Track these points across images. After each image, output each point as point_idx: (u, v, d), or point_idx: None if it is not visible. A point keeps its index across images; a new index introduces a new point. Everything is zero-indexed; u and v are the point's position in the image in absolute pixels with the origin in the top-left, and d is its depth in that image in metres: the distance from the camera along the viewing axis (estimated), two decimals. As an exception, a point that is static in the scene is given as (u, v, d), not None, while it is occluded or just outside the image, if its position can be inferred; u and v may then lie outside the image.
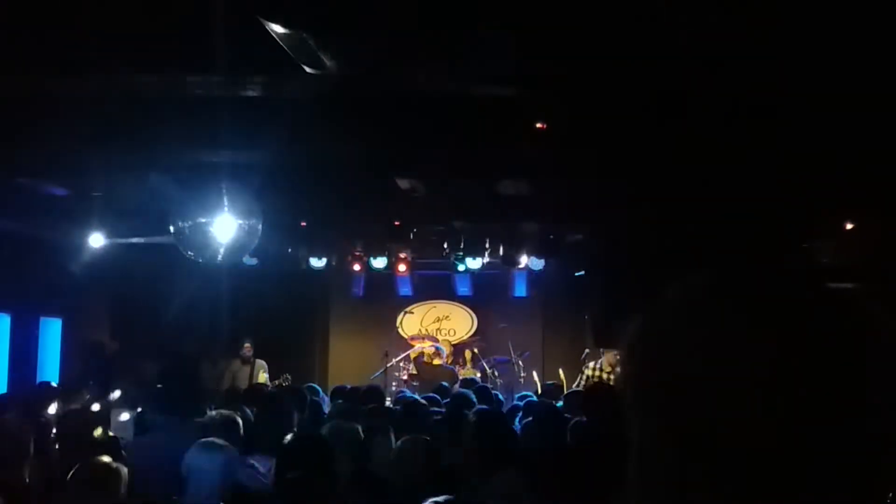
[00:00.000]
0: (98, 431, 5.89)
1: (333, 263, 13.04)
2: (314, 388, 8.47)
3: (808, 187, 7.28)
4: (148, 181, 7.51)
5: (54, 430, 5.82)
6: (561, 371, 11.75)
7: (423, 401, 7.14)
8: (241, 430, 5.12)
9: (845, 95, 5.31)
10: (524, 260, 12.15)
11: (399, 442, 4.69)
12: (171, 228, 7.73)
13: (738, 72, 5.03)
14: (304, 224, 10.74)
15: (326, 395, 8.87)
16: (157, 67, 5.36)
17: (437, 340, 13.70)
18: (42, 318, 11.47)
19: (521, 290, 14.03)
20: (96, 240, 9.77)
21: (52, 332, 11.67)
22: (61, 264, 10.21)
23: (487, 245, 11.60)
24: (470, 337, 14.40)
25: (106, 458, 3.98)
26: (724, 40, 4.64)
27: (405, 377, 12.94)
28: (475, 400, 6.86)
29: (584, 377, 10.35)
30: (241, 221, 7.46)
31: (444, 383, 9.71)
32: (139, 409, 7.00)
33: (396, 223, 10.83)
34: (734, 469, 0.78)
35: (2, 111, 6.07)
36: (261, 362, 11.95)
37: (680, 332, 0.83)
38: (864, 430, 0.78)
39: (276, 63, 4.91)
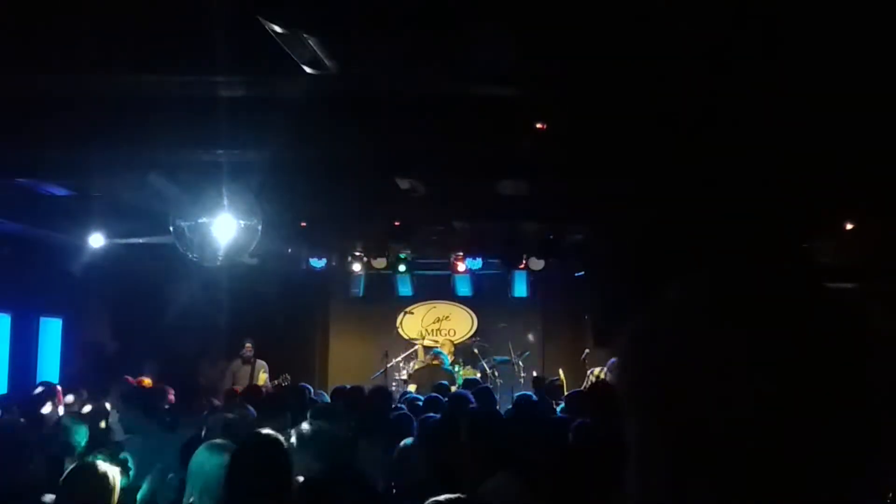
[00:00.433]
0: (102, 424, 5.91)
1: (333, 263, 13.04)
2: (306, 387, 8.49)
3: (808, 187, 7.28)
4: (148, 181, 7.50)
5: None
6: (561, 371, 11.75)
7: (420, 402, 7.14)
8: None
9: (845, 95, 5.30)
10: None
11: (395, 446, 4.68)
12: (171, 228, 7.73)
13: (737, 72, 5.03)
14: (304, 224, 10.74)
15: (327, 395, 8.87)
16: (157, 67, 5.36)
17: (436, 343, 13.67)
18: (42, 318, 11.47)
19: (521, 290, 14.03)
20: (96, 240, 9.77)
21: (52, 332, 11.67)
22: (61, 264, 10.22)
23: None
24: (470, 337, 14.40)
25: (100, 461, 3.97)
26: (724, 40, 4.64)
27: (405, 377, 12.94)
28: (473, 400, 6.85)
29: (589, 382, 10.30)
30: (240, 221, 7.45)
31: (444, 382, 9.71)
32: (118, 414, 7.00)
33: (396, 223, 10.83)
34: (734, 470, 0.77)
35: (2, 111, 6.07)
36: (261, 362, 11.95)
37: (680, 333, 0.83)
38: (864, 430, 0.77)
39: (276, 63, 4.90)
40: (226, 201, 7.32)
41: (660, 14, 4.37)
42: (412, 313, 14.57)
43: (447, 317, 14.82)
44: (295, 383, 10.29)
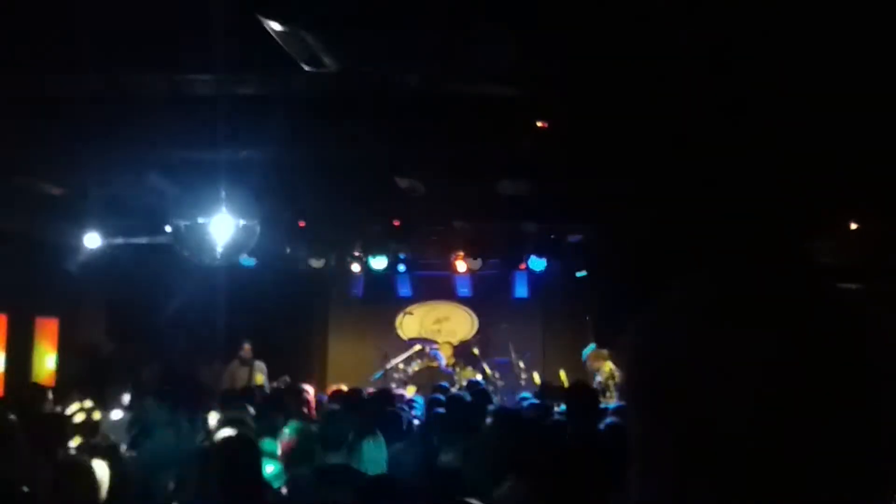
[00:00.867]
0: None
1: (333, 263, 13.03)
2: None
3: (808, 187, 7.27)
4: (146, 181, 7.50)
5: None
6: (562, 372, 11.73)
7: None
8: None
9: (845, 95, 5.30)
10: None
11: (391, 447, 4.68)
12: (169, 228, 7.72)
13: (738, 72, 5.02)
14: (303, 224, 10.73)
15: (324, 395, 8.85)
16: (156, 67, 5.35)
17: (435, 344, 13.66)
18: (38, 318, 11.45)
19: (521, 290, 14.03)
20: (93, 239, 9.76)
21: (48, 332, 11.66)
22: (58, 264, 10.21)
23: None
24: (470, 338, 14.39)
25: (84, 458, 3.97)
26: (725, 40, 4.63)
27: (404, 379, 12.92)
28: (470, 400, 6.85)
29: (600, 379, 10.21)
30: (239, 221, 7.44)
31: (444, 384, 9.70)
32: (137, 411, 6.99)
33: (396, 223, 10.82)
34: (735, 470, 0.77)
35: (2, 111, 6.06)
36: (259, 364, 11.92)
37: (681, 332, 0.82)
38: (865, 430, 0.77)
39: (275, 62, 4.89)
40: (224, 201, 7.30)
41: (660, 14, 4.36)
42: (412, 314, 14.56)
43: (447, 317, 14.82)
44: (294, 384, 10.28)
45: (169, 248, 8.21)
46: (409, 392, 10.90)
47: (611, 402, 8.58)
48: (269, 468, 4.59)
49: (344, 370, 13.61)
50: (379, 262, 12.53)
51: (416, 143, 6.85)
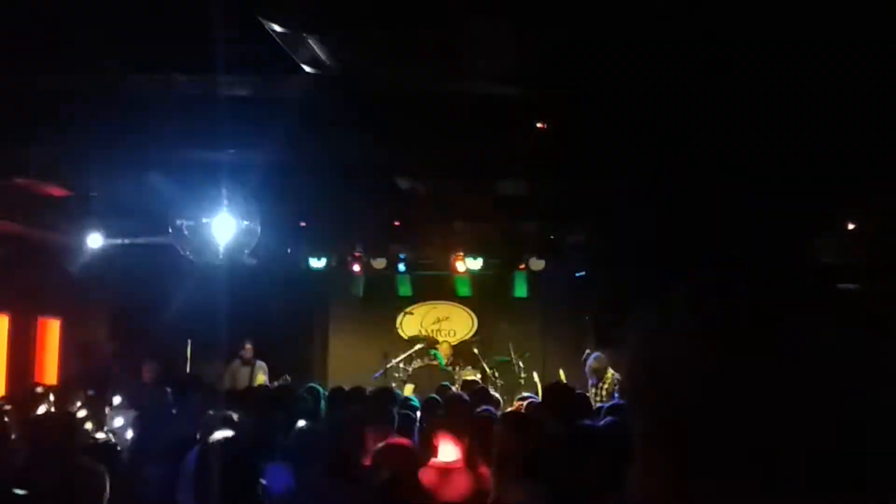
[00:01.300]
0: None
1: (333, 263, 13.02)
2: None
3: (808, 187, 7.27)
4: (147, 181, 7.50)
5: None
6: (561, 372, 11.72)
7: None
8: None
9: (846, 95, 5.30)
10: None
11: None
12: (170, 228, 7.72)
13: (738, 71, 5.03)
14: (303, 224, 10.73)
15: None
16: (157, 67, 5.36)
17: (435, 343, 13.65)
18: (40, 319, 11.46)
19: (521, 290, 14.01)
20: (95, 240, 9.75)
21: (50, 332, 11.66)
22: (60, 264, 10.20)
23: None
24: (470, 337, 14.38)
25: (88, 460, 3.97)
26: (725, 40, 4.63)
27: (404, 378, 12.92)
28: (470, 401, 6.84)
29: (602, 386, 10.12)
30: (240, 221, 7.44)
31: (445, 383, 9.70)
32: (139, 411, 7.00)
33: (396, 223, 10.82)
34: (736, 470, 0.77)
35: (2, 111, 6.06)
36: (260, 363, 11.91)
37: (681, 333, 0.82)
38: (867, 430, 0.77)
39: (275, 63, 4.90)
40: (225, 201, 7.31)
41: (660, 14, 4.37)
42: (412, 314, 14.55)
43: (447, 317, 14.80)
44: (295, 384, 10.26)
45: (171, 248, 8.21)
46: (407, 391, 10.90)
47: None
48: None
49: (344, 369, 13.60)
50: (379, 263, 12.52)
51: (416, 143, 6.85)
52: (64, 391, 8.14)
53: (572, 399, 6.21)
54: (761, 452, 0.76)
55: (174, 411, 7.00)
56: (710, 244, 7.87)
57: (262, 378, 11.62)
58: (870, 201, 7.98)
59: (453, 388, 9.37)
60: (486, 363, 12.85)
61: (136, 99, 6.02)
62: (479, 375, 12.27)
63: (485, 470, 4.74)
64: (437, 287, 14.32)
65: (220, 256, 7.57)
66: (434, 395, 7.93)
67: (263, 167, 7.35)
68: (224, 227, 7.50)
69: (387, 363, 12.85)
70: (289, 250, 12.15)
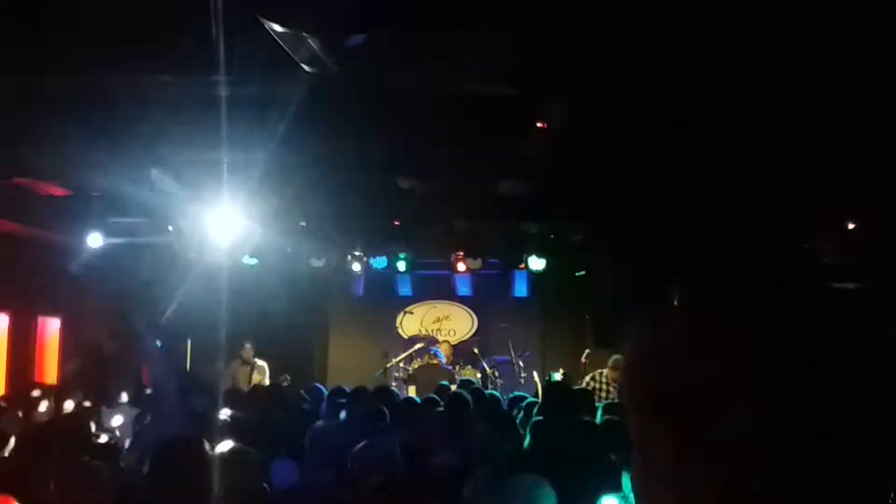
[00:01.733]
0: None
1: (333, 263, 13.02)
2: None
3: (808, 187, 7.27)
4: (148, 181, 7.50)
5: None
6: (561, 371, 11.73)
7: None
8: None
9: (846, 95, 5.30)
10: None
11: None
12: (171, 228, 7.72)
13: (738, 71, 5.03)
14: (304, 224, 10.73)
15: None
16: (157, 67, 5.35)
17: (435, 342, 13.65)
18: (40, 318, 11.46)
19: (521, 290, 14.03)
20: (95, 240, 9.75)
21: (50, 332, 11.66)
22: (60, 264, 10.21)
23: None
24: (470, 337, 14.39)
25: (89, 461, 3.97)
26: (725, 40, 4.63)
27: (404, 377, 12.93)
28: (470, 400, 6.84)
29: (585, 385, 10.23)
30: (240, 221, 7.45)
31: (445, 382, 9.70)
32: (139, 411, 7.01)
33: (396, 223, 10.82)
34: (736, 470, 0.77)
35: (2, 111, 6.06)
36: (261, 363, 11.91)
37: (681, 333, 0.83)
38: (867, 429, 0.77)
39: (275, 63, 4.90)
40: (225, 201, 7.31)
41: (660, 14, 4.37)
42: (412, 313, 14.57)
43: (447, 317, 14.82)
44: (296, 384, 10.28)
45: (171, 248, 8.21)
46: (410, 391, 10.91)
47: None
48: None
49: (344, 369, 13.61)
50: (379, 262, 12.52)
51: (416, 143, 6.85)
52: (63, 391, 8.16)
53: (572, 395, 6.25)
54: (760, 452, 0.77)
55: (174, 411, 7.00)
56: (710, 244, 7.87)
57: (261, 378, 11.62)
58: (870, 201, 7.97)
59: (453, 388, 9.37)
60: (486, 362, 12.86)
61: (136, 98, 6.02)
62: (478, 375, 12.28)
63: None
64: (437, 287, 14.33)
65: (221, 256, 7.57)
66: (434, 396, 7.93)
67: (264, 166, 7.34)
68: (224, 226, 7.50)
69: (387, 363, 12.86)
70: (289, 250, 12.15)
